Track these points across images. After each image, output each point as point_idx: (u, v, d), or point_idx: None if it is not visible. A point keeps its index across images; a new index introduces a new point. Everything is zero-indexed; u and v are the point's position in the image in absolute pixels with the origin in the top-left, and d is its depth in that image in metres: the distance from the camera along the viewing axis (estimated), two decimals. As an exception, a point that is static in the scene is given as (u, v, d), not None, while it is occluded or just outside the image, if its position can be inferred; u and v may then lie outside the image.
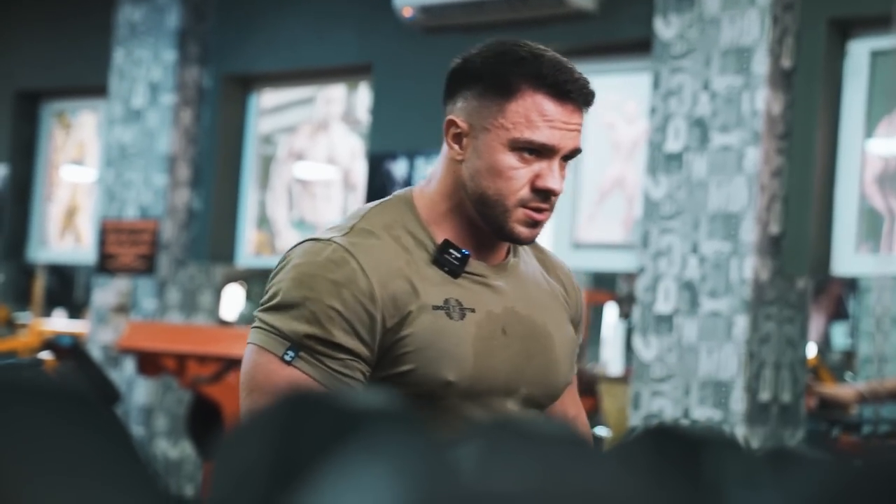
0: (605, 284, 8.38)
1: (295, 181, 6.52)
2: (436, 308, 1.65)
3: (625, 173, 5.37)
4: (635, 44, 5.04)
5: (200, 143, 6.39)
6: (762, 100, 4.39)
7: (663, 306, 4.53)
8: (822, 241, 4.49)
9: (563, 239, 5.48)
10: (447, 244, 1.68)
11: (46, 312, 7.68)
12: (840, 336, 7.27)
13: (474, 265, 1.71)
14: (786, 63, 4.45)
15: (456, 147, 1.67)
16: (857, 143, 4.51)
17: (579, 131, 1.68)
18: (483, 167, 1.65)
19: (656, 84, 4.66)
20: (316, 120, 6.46)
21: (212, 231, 6.36)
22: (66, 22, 7.14)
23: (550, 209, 1.68)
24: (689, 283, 4.48)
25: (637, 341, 4.61)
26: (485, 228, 1.70)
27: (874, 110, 4.53)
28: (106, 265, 6.46)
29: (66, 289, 8.80)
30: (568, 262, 6.51)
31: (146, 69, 6.40)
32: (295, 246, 1.69)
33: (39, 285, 7.57)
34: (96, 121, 7.21)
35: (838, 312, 7.23)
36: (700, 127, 4.52)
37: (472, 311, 1.67)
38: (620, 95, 5.37)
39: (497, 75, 1.64)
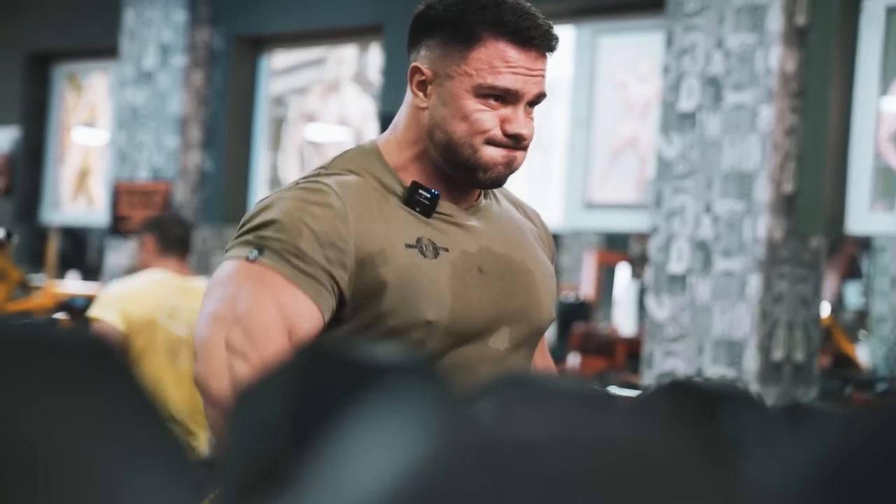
0: (617, 245, 8.38)
1: (307, 143, 6.51)
2: (408, 246, 1.64)
3: (638, 133, 5.35)
4: (648, 2, 5.00)
5: (212, 104, 6.38)
6: (776, 58, 4.36)
7: (676, 266, 4.53)
8: (837, 200, 4.48)
9: (575, 199, 5.47)
10: (416, 185, 1.67)
11: (60, 274, 7.71)
12: (854, 295, 7.26)
13: (445, 206, 1.69)
14: (800, 20, 4.42)
15: (420, 94, 1.67)
16: (871, 100, 4.48)
17: (543, 76, 1.68)
18: (448, 114, 1.65)
19: (669, 42, 4.63)
20: (327, 81, 6.44)
21: (224, 193, 6.37)
22: (76, -17, 7.12)
23: (520, 155, 1.67)
24: (702, 242, 4.47)
25: (650, 301, 4.61)
26: (453, 175, 1.69)
27: (889, 68, 4.50)
28: (119, 227, 6.47)
29: (80, 251, 8.82)
30: (580, 222, 6.44)
31: (157, 30, 6.38)
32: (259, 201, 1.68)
33: (53, 247, 7.59)
34: (107, 83, 7.20)
35: (852, 271, 7.22)
36: (713, 85, 4.50)
37: (446, 250, 1.66)
38: (633, 54, 5.34)
39: (459, 23, 1.64)
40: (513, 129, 1.64)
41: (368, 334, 1.62)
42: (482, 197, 1.77)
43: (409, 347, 1.62)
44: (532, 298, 1.74)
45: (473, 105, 1.64)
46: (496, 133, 1.64)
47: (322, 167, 1.69)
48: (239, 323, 1.53)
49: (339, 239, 1.60)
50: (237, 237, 1.64)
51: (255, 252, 1.58)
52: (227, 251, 1.65)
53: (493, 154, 1.65)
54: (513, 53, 1.63)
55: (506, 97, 1.64)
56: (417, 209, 1.67)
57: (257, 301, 1.55)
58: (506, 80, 1.63)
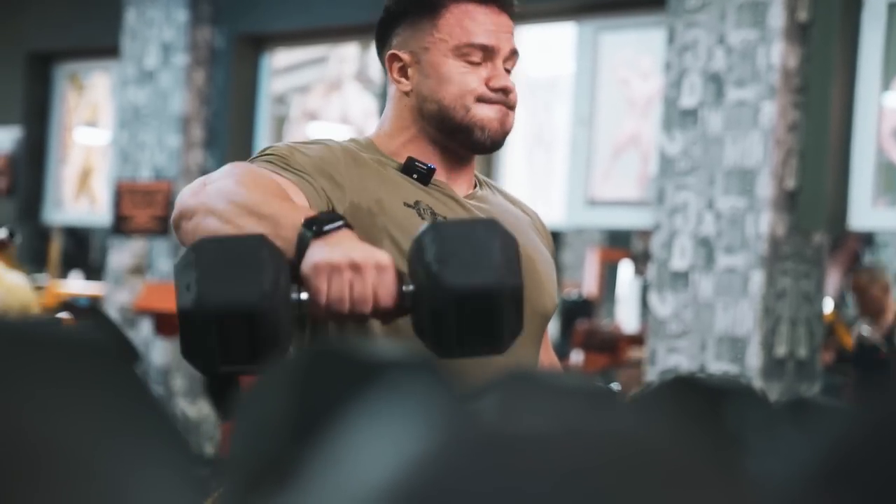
0: (620, 242, 8.38)
1: (308, 141, 6.51)
2: (406, 205, 1.65)
3: (640, 130, 5.35)
4: (650, -2, 5.00)
5: (214, 103, 6.39)
6: (778, 54, 4.35)
7: (679, 263, 4.53)
8: (839, 196, 4.47)
9: (577, 196, 5.46)
10: (412, 159, 1.70)
11: (63, 274, 7.72)
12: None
13: (444, 185, 1.72)
14: (802, 16, 4.41)
15: (403, 80, 1.72)
16: (873, 96, 4.48)
17: (511, 34, 1.74)
18: (434, 83, 1.69)
19: (671, 39, 4.63)
20: (329, 79, 6.44)
21: (226, 192, 6.37)
22: (78, -17, 7.12)
23: (511, 115, 1.71)
24: (704, 239, 4.47)
25: (653, 298, 4.61)
26: (450, 153, 1.71)
27: (891, 63, 4.50)
28: (121, 227, 6.48)
29: (82, 251, 8.83)
30: (582, 219, 6.42)
31: (158, 29, 6.38)
32: None
33: (55, 247, 7.60)
34: (109, 82, 7.20)
35: (855, 267, 7.21)
36: (715, 82, 4.50)
37: (444, 218, 1.67)
38: (635, 51, 5.33)
39: (420, 2, 1.71)
40: (497, 83, 1.69)
41: None
42: (479, 188, 1.78)
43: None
44: (533, 282, 1.73)
45: (456, 67, 1.69)
46: (483, 90, 1.68)
47: None
48: (217, 172, 1.55)
49: (334, 171, 1.62)
50: None
51: (250, 162, 1.62)
52: None
53: (486, 111, 1.69)
54: (477, 12, 1.70)
55: (482, 55, 1.69)
56: (415, 176, 1.69)
57: (239, 168, 1.56)
58: (478, 37, 1.69)
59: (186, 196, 1.53)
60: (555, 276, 1.82)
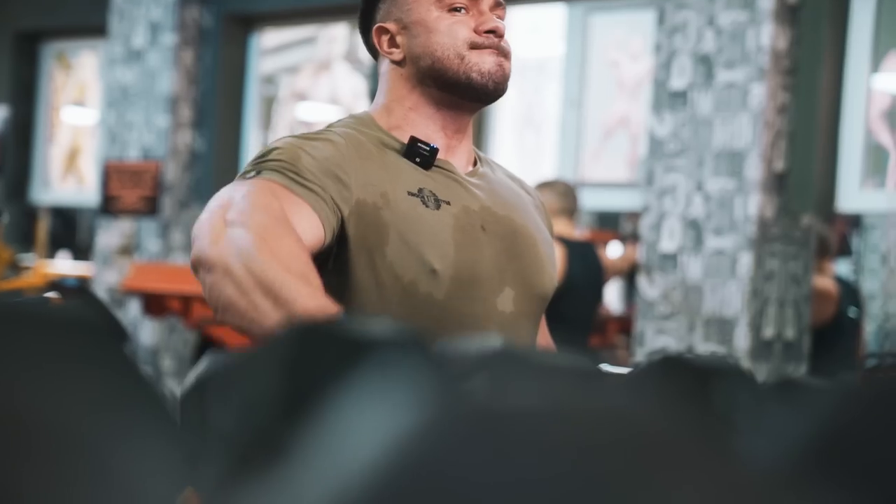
0: (609, 223, 8.37)
1: (297, 122, 6.50)
2: (410, 194, 1.64)
3: (629, 112, 5.35)
4: (640, -21, 4.99)
5: (202, 83, 6.36)
6: (767, 35, 4.35)
7: (668, 244, 4.54)
8: (827, 178, 4.48)
9: (566, 178, 5.47)
10: (415, 139, 1.68)
11: (50, 254, 7.70)
12: (844, 273, 7.27)
13: (446, 163, 1.70)
14: (792, -2, 4.41)
15: (394, 49, 1.71)
16: (862, 78, 4.48)
17: None
18: (424, 38, 1.69)
19: (661, 20, 4.62)
20: (318, 60, 6.42)
21: (215, 172, 6.36)
22: (65, -39, 7.08)
23: (507, 63, 1.70)
24: (693, 221, 4.48)
25: (642, 280, 4.62)
26: (452, 117, 1.70)
27: (880, 45, 4.50)
28: (109, 207, 6.46)
29: (70, 231, 8.80)
30: (572, 200, 6.33)
31: (146, 8, 6.35)
32: None
33: (43, 227, 7.57)
34: (97, 61, 7.17)
35: (842, 249, 7.23)
36: (705, 64, 4.50)
37: (448, 203, 1.66)
38: (625, 32, 5.33)
39: None
40: (486, 25, 1.68)
41: (379, 288, 1.60)
42: (480, 164, 1.77)
43: (418, 301, 1.61)
44: (535, 262, 1.73)
45: (442, 19, 1.68)
46: (474, 37, 1.68)
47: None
48: (235, 204, 1.49)
49: (339, 171, 1.60)
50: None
51: (253, 173, 1.58)
52: None
53: (481, 56, 1.68)
54: None
55: (467, 2, 1.69)
56: (417, 160, 1.67)
57: (255, 193, 1.51)
58: None
59: (205, 241, 1.46)
60: (555, 255, 1.81)
